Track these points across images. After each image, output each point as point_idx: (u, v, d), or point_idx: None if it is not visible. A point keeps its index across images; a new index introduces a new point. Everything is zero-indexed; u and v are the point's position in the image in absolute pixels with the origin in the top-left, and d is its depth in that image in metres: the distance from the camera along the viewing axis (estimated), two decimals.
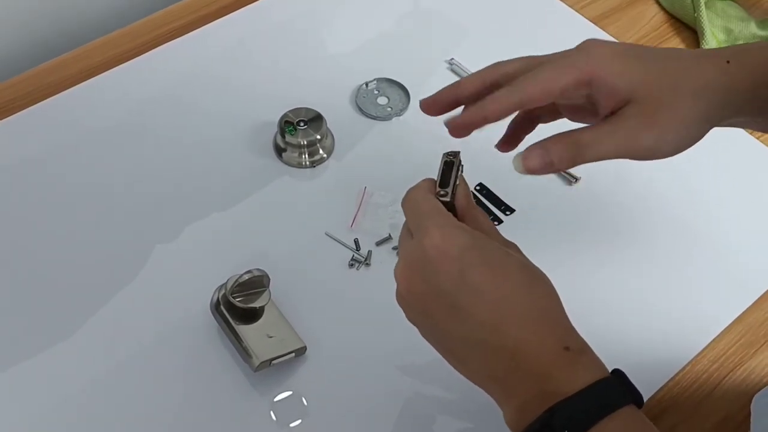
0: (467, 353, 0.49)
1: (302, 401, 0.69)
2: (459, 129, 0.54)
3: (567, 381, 0.46)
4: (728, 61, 0.52)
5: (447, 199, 0.54)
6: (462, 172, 0.56)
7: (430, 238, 0.48)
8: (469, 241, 0.48)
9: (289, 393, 0.70)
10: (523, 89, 0.50)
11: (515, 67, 0.54)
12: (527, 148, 0.51)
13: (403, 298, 0.51)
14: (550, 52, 0.55)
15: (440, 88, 0.56)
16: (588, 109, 0.54)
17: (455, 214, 0.53)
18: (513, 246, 0.53)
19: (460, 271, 0.47)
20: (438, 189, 0.54)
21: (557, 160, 0.50)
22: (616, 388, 0.47)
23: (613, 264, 0.80)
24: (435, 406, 0.70)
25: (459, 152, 0.56)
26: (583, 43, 0.52)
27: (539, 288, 0.49)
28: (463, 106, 0.57)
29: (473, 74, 0.55)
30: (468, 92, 0.55)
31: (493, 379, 0.49)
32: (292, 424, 0.68)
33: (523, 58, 0.55)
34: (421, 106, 0.56)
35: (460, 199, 0.54)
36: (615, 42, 0.53)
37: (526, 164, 0.51)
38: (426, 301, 0.49)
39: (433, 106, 0.56)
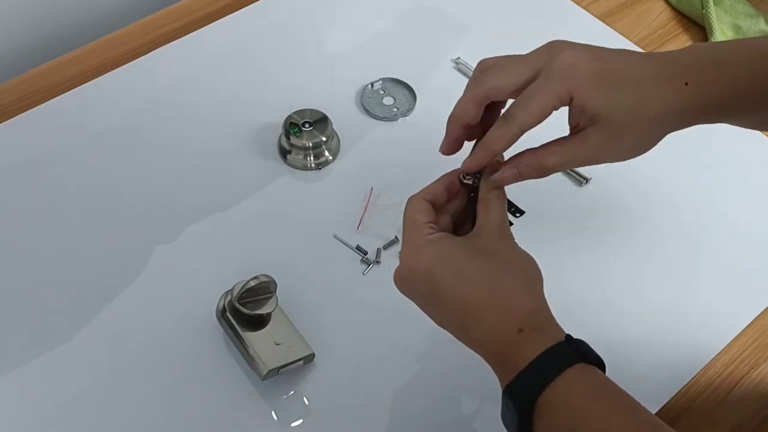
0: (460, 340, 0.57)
1: (304, 401, 0.69)
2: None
3: (521, 359, 0.51)
4: (687, 83, 0.56)
5: (470, 182, 0.58)
6: None
7: (404, 256, 0.56)
8: (434, 255, 0.55)
9: (292, 392, 0.69)
10: (522, 121, 0.55)
11: (500, 79, 0.57)
12: (502, 167, 0.57)
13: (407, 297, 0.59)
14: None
15: (446, 129, 0.60)
16: None
17: (476, 197, 0.58)
18: (505, 236, 0.57)
19: (431, 284, 0.54)
20: (464, 175, 0.58)
21: (525, 176, 0.57)
22: (562, 352, 0.52)
23: (624, 267, 0.79)
24: (441, 412, 0.69)
25: None
26: (565, 56, 0.55)
27: (499, 281, 0.54)
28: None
29: (464, 99, 0.58)
30: (469, 118, 0.58)
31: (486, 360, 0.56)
32: (293, 424, 0.67)
33: (501, 60, 0.58)
34: (442, 153, 0.60)
35: (483, 187, 0.58)
36: (594, 57, 0.55)
37: (500, 176, 0.57)
38: (418, 303, 0.57)
39: (451, 147, 0.60)
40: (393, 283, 0.58)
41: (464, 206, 0.60)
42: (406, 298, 0.58)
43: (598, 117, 0.54)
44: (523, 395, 0.51)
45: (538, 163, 0.56)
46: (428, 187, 0.59)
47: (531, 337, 0.52)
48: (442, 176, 0.59)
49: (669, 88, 0.55)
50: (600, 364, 0.53)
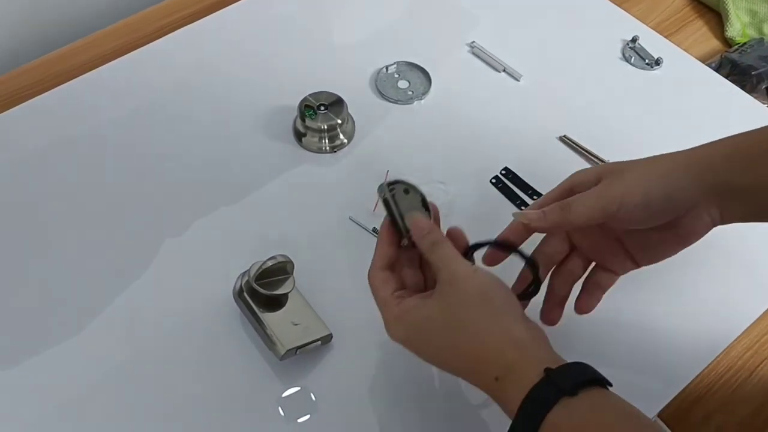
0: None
1: (322, 381, 0.68)
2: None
3: (511, 402, 0.53)
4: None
5: (406, 243, 0.60)
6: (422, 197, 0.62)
7: (388, 330, 0.60)
8: (404, 332, 0.59)
9: (310, 373, 0.68)
10: (574, 215, 0.59)
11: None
12: (529, 208, 0.62)
13: None
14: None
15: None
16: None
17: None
18: (461, 281, 0.58)
19: (412, 350, 0.59)
20: (402, 240, 0.60)
21: (549, 214, 0.60)
22: (542, 393, 0.51)
23: None
24: (446, 404, 0.68)
25: (394, 183, 0.62)
26: (621, 170, 0.60)
27: (462, 338, 0.56)
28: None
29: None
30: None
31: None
32: (300, 420, 0.66)
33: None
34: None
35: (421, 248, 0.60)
36: (641, 167, 0.60)
37: (525, 215, 0.61)
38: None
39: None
40: None
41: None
42: None
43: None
44: None
45: (564, 206, 0.60)
46: (377, 253, 0.61)
47: (507, 381, 0.53)
48: (380, 235, 0.62)
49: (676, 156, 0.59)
50: (596, 381, 0.53)
